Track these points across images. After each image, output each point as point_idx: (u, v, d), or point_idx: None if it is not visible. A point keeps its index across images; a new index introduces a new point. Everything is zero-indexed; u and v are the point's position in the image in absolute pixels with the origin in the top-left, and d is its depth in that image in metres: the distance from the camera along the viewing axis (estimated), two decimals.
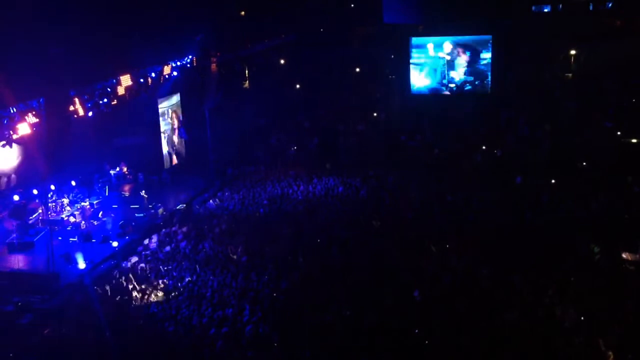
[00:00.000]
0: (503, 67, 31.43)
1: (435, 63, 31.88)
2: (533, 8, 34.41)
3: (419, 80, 32.32)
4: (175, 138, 28.80)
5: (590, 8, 34.38)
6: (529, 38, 31.78)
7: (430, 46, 31.85)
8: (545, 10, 35.02)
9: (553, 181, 23.35)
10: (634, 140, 26.09)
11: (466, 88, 31.77)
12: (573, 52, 32.48)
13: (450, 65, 31.77)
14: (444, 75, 31.89)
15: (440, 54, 31.63)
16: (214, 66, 28.83)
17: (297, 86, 36.11)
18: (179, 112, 28.84)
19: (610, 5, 33.78)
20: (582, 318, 13.27)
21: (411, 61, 32.14)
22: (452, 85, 31.90)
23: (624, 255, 16.30)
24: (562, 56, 32.68)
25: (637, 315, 13.33)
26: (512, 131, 28.95)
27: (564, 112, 29.20)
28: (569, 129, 27.83)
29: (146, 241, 20.27)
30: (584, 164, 25.50)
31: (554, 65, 32.37)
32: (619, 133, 27.24)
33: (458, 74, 31.70)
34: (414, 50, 32.02)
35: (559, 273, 15.57)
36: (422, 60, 32.05)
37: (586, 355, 12.12)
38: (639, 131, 26.70)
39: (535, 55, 32.83)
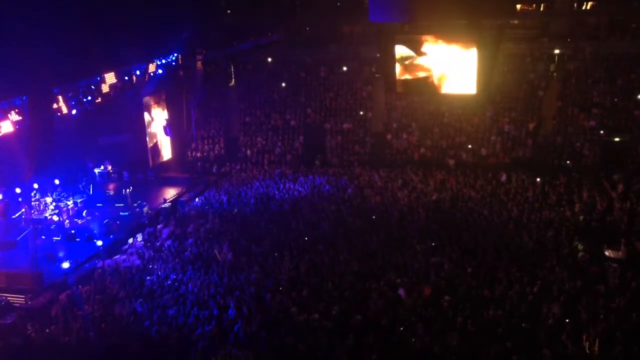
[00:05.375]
0: (488, 66, 31.55)
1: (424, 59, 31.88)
2: (518, 8, 34.62)
3: (407, 79, 32.34)
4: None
5: (574, 8, 34.71)
6: (513, 38, 31.99)
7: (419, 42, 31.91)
8: (530, 9, 35.30)
9: (538, 179, 23.52)
10: (616, 139, 26.37)
11: (452, 87, 31.87)
12: (557, 51, 32.75)
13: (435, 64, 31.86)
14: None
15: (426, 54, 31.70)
16: (199, 64, 28.72)
17: (283, 84, 36.03)
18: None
19: (593, 5, 34.13)
20: (566, 314, 13.39)
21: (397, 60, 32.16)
22: (441, 85, 31.96)
23: (607, 253, 16.47)
24: (546, 55, 32.94)
25: (619, 311, 13.48)
26: (497, 130, 29.11)
27: (548, 112, 29.41)
28: (553, 128, 28.06)
29: (131, 240, 20.17)
30: (568, 162, 25.73)
31: (538, 64, 32.60)
32: (602, 132, 27.52)
33: (443, 74, 31.79)
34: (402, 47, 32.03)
35: (544, 270, 15.71)
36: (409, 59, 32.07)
37: (570, 351, 12.23)
38: (622, 130, 26.98)
39: (520, 54, 33.05)
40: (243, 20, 35.53)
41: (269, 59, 37.68)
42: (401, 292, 14.77)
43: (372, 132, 30.22)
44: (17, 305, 16.27)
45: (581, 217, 19.49)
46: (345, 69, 36.04)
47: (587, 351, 12.20)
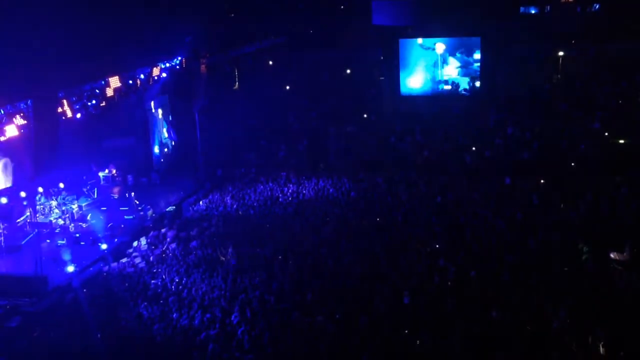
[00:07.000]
0: (492, 68, 31.60)
1: (427, 60, 32.10)
2: (521, 10, 34.62)
3: (411, 81, 32.50)
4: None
5: (578, 10, 34.65)
6: (517, 40, 31.98)
7: (422, 45, 32.10)
8: (533, 12, 35.26)
9: (542, 182, 23.46)
10: (621, 141, 26.30)
11: (458, 88, 32.00)
12: (561, 53, 32.71)
13: (442, 64, 32.03)
14: (437, 74, 32.13)
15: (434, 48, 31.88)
16: (203, 67, 28.77)
17: (287, 87, 36.10)
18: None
19: (597, 7, 34.06)
20: (571, 318, 13.34)
21: (401, 63, 32.29)
22: (446, 87, 32.12)
23: (612, 255, 16.41)
24: (550, 58, 32.89)
25: (624, 313, 13.43)
26: (501, 132, 29.08)
27: (552, 114, 29.38)
28: (558, 130, 28.00)
29: (135, 243, 20.19)
30: (572, 164, 25.65)
31: (542, 66, 32.56)
32: (606, 134, 27.45)
33: (450, 73, 31.94)
34: (406, 48, 32.19)
35: (548, 273, 15.66)
36: (413, 62, 32.21)
37: (575, 354, 12.18)
38: (626, 132, 26.92)
39: (524, 56, 33.04)
40: (247, 23, 35.59)
41: (273, 62, 37.74)
42: (405, 295, 14.74)
43: (376, 135, 30.22)
44: (22, 308, 16.28)
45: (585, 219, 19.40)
46: (349, 71, 36.10)
47: (593, 354, 12.16)
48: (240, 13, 35.81)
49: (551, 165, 25.19)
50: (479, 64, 31.57)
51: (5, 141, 19.46)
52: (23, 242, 20.41)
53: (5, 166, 22.01)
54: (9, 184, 22.12)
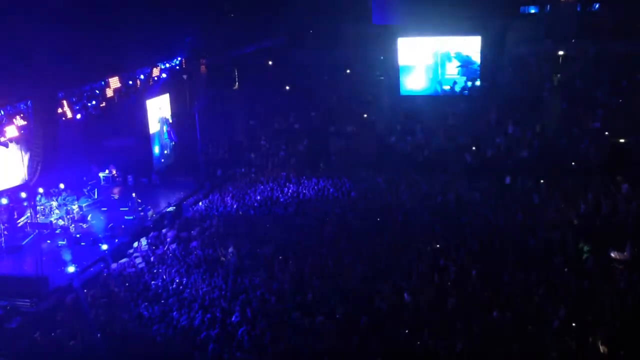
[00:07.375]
0: (492, 68, 31.56)
1: (427, 60, 32.05)
2: (521, 9, 34.59)
3: (411, 81, 32.47)
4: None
5: (578, 9, 34.60)
6: (517, 39, 31.92)
7: (422, 44, 32.08)
8: (533, 11, 35.22)
9: (542, 181, 23.46)
10: (621, 140, 26.28)
11: (458, 89, 31.97)
12: (561, 53, 32.66)
13: (442, 64, 31.99)
14: (437, 74, 32.10)
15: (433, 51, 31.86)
16: (203, 68, 28.76)
17: (287, 88, 36.05)
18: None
19: (597, 6, 34.02)
20: (572, 317, 13.34)
21: (401, 63, 32.28)
22: (446, 86, 32.10)
23: (612, 255, 16.41)
24: (550, 57, 32.83)
25: (625, 313, 13.43)
26: (502, 132, 29.04)
27: (552, 113, 29.33)
28: (558, 129, 27.97)
29: (136, 244, 20.20)
30: (573, 164, 25.64)
31: (542, 66, 32.50)
32: (607, 133, 27.42)
33: (450, 73, 31.91)
34: (406, 48, 32.17)
35: (549, 272, 15.65)
36: (413, 61, 32.20)
37: (575, 354, 12.18)
38: (627, 131, 26.89)
39: (524, 56, 32.99)
40: (246, 23, 35.54)
41: (273, 62, 37.70)
42: (405, 295, 14.75)
43: (376, 135, 30.20)
44: (23, 309, 16.29)
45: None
46: (349, 71, 36.05)
47: (593, 354, 12.15)
48: (240, 13, 35.73)
49: (551, 165, 25.17)
50: (479, 63, 31.55)
51: (5, 141, 19.48)
52: (24, 243, 20.42)
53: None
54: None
